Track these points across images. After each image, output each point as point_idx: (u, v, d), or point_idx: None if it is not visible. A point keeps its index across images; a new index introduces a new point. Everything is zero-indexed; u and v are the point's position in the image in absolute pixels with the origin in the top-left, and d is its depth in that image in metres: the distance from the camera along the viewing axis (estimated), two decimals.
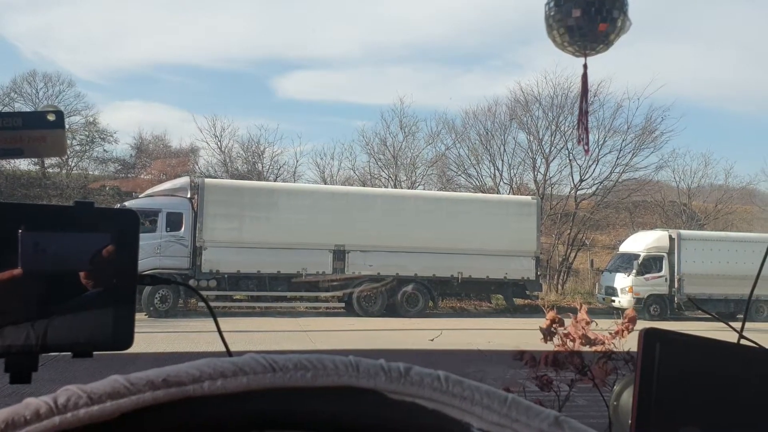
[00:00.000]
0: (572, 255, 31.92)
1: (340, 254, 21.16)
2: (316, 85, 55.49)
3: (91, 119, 35.44)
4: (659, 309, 22.91)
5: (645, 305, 22.67)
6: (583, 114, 1.45)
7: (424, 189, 33.55)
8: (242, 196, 21.01)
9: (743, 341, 1.34)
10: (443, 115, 42.88)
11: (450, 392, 0.67)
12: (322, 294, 21.33)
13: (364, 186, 32.02)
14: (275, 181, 33.08)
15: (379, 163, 36.20)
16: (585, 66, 1.40)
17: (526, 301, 22.34)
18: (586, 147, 1.56)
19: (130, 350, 0.96)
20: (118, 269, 0.98)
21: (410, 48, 56.58)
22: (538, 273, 23.64)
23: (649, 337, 1.05)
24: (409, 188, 32.84)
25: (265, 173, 35.26)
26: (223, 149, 35.82)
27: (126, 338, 0.97)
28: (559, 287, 29.87)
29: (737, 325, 1.42)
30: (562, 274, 31.03)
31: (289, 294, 21.14)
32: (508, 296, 23.41)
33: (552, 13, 1.38)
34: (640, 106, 41.12)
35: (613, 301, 22.55)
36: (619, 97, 34.82)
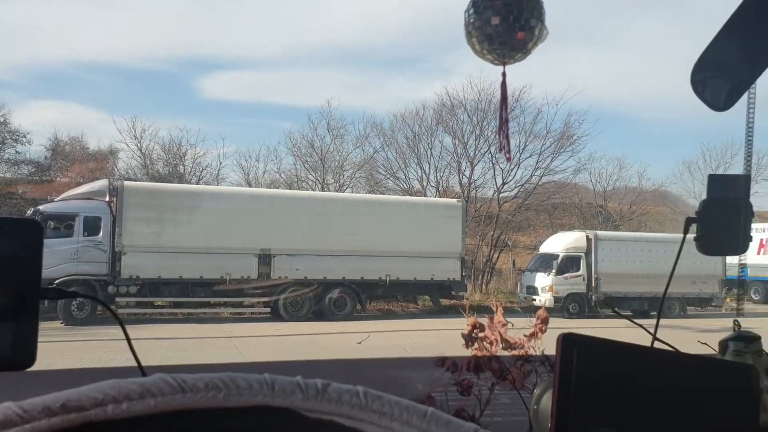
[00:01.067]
0: (495, 256, 32.61)
1: (265, 258, 20.87)
2: (240, 86, 54.58)
3: (1, 119, 33.71)
4: (578, 307, 23.68)
5: (564, 304, 23.39)
6: (504, 122, 1.47)
7: (352, 192, 33.57)
8: (163, 199, 20.44)
9: (657, 343, 1.39)
10: (371, 118, 43.04)
11: (369, 408, 0.66)
12: (247, 299, 21.00)
13: (290, 189, 31.71)
14: (198, 183, 32.37)
15: (306, 165, 35.98)
16: (504, 74, 1.41)
17: (452, 302, 22.66)
18: (507, 155, 1.59)
19: (33, 367, 0.90)
20: (19, 282, 0.92)
21: (338, 49, 56.49)
22: (464, 274, 24.04)
23: (566, 342, 1.08)
24: (336, 191, 32.75)
25: (187, 176, 34.43)
26: (143, 151, 34.77)
27: (28, 356, 0.91)
28: (483, 287, 30.43)
29: (651, 322, 1.47)
30: (486, 274, 31.64)
31: (212, 300, 20.71)
32: (435, 297, 23.69)
33: (471, 20, 1.40)
34: (559, 112, 42.57)
35: (534, 300, 23.14)
36: (539, 102, 35.93)
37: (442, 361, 1.48)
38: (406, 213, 23.00)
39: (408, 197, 29.92)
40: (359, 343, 14.08)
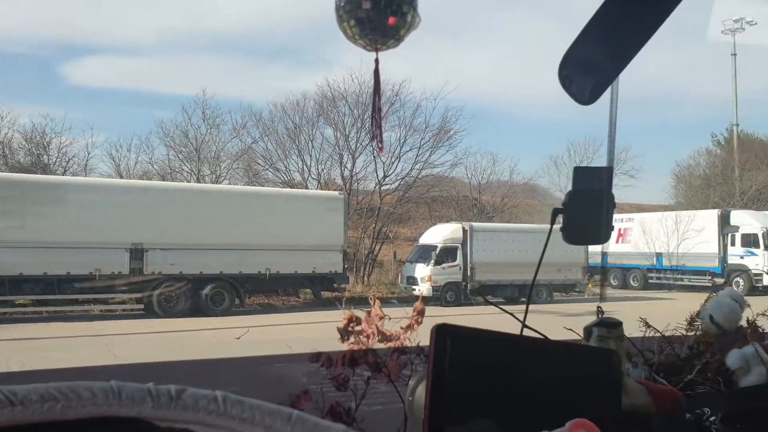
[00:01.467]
0: (377, 248, 33.02)
1: (137, 253, 19.98)
2: (111, 72, 51.92)
3: None
4: (454, 296, 24.45)
5: (442, 293, 24.09)
6: (376, 110, 1.44)
7: (229, 183, 32.76)
8: (24, 190, 19.06)
9: (526, 330, 1.42)
10: (249, 108, 42.13)
11: (228, 414, 0.61)
12: (118, 296, 20.03)
13: (163, 180, 30.46)
14: (64, 174, 30.42)
15: (180, 156, 34.70)
16: (377, 61, 1.39)
17: (334, 294, 22.71)
18: (380, 145, 1.56)
19: None
20: None
21: (215, 36, 54.93)
22: (346, 266, 24.15)
23: (440, 332, 1.07)
24: (213, 183, 31.85)
25: (52, 166, 32.25)
26: (1, 140, 32.20)
27: None
28: (365, 279, 30.75)
29: (522, 308, 1.51)
30: (367, 266, 31.97)
31: (81, 297, 19.57)
32: (317, 290, 23.66)
33: (342, 4, 1.36)
34: (437, 107, 43.53)
35: (414, 289, 23.66)
36: (419, 97, 36.55)
37: (316, 357, 1.44)
38: (287, 205, 22.78)
39: (288, 189, 29.62)
40: (238, 338, 13.78)
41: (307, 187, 32.91)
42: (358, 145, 33.62)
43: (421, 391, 1.19)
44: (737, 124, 44.83)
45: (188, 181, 31.62)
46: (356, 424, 1.43)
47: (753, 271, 27.89)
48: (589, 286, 26.92)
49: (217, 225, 20.65)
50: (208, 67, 52.18)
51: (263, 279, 22.06)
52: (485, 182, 40.94)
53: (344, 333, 1.38)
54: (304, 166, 34.83)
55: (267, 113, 35.97)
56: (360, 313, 1.54)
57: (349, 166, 33.96)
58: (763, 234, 28.40)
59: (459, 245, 25.19)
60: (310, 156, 34.74)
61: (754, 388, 1.36)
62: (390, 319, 1.50)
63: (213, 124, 34.90)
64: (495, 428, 1.05)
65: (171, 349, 13.09)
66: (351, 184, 33.31)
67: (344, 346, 1.50)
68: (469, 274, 24.81)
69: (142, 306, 20.32)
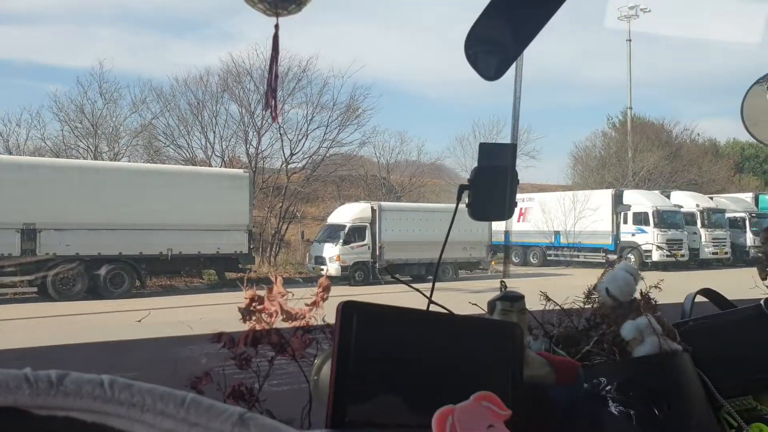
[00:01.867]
0: (284, 227, 32.68)
1: (29, 233, 18.94)
2: None
3: None
4: (363, 275, 24.61)
5: (351, 272, 24.19)
6: (273, 78, 1.39)
7: (128, 161, 31.44)
8: None
9: (433, 306, 1.43)
10: (149, 82, 40.47)
11: (115, 400, 0.56)
12: (9, 278, 18.92)
13: (57, 157, 28.88)
14: None
15: (75, 132, 32.95)
16: (276, 26, 1.34)
17: (239, 275, 22.36)
18: (274, 114, 1.51)
19: None
20: None
21: (114, 8, 52.29)
22: (251, 246, 23.82)
23: (346, 309, 1.05)
24: (111, 160, 30.47)
25: None
26: None
27: None
28: (272, 259, 30.42)
29: (429, 286, 1.52)
30: (274, 246, 31.62)
31: None
32: (221, 271, 23.23)
33: None
34: (345, 85, 43.30)
35: (323, 269, 23.64)
36: (326, 74, 36.26)
37: (218, 337, 1.39)
38: (189, 184, 22.14)
39: (191, 167, 28.76)
40: (139, 321, 13.37)
41: (210, 165, 32.06)
42: (264, 122, 33.03)
43: (326, 369, 1.17)
44: (631, 108, 47.20)
45: (84, 158, 30.13)
46: (259, 405, 1.40)
47: (643, 248, 29.58)
48: (493, 263, 27.77)
49: (115, 204, 19.83)
50: (105, 39, 49.68)
51: (165, 260, 21.44)
52: (393, 162, 41.31)
53: (246, 313, 1.34)
54: (208, 143, 33.92)
55: (168, 88, 34.70)
56: (262, 292, 1.50)
57: (254, 143, 33.31)
58: (652, 213, 30.11)
59: (368, 225, 25.33)
60: (214, 133, 33.85)
61: (646, 358, 1.42)
62: (293, 296, 1.47)
63: (111, 99, 33.34)
64: (401, 404, 1.04)
65: (67, 334, 12.51)
66: (257, 162, 32.70)
67: (247, 327, 1.46)
68: (377, 253, 25.01)
69: (35, 289, 19.31)
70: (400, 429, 0.98)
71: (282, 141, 33.40)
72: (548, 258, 33.55)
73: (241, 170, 26.00)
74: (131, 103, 33.97)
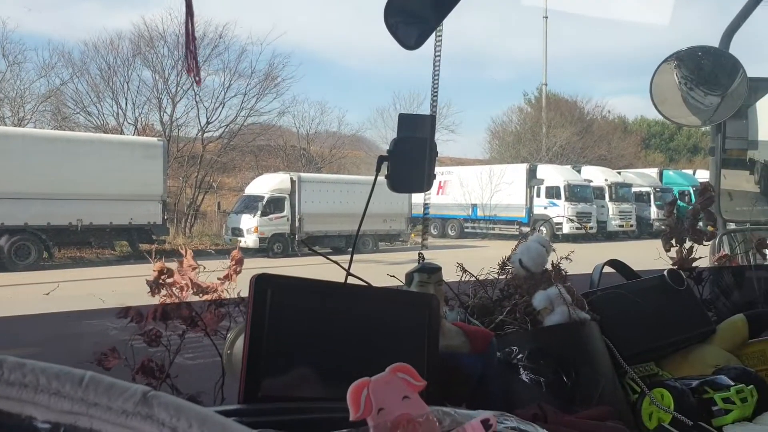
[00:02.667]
0: (200, 198, 31.91)
1: None
2: None
3: None
4: (282, 247, 24.41)
5: (269, 244, 23.95)
6: (191, 39, 1.33)
7: (35, 127, 29.77)
8: None
9: (351, 279, 1.42)
10: (59, 46, 38.33)
11: (4, 380, 0.52)
12: None
13: None
14: None
15: None
16: None
17: (153, 246, 21.73)
18: (197, 78, 1.45)
19: None
20: None
21: None
22: (165, 217, 23.21)
23: (259, 282, 1.03)
24: (15, 126, 28.78)
25: None
26: None
27: None
28: (187, 231, 29.71)
29: (348, 258, 1.50)
30: (190, 217, 30.86)
31: None
32: (134, 242, 22.53)
33: None
34: (263, 52, 42.36)
35: (240, 241, 23.29)
36: (244, 41, 35.31)
37: (125, 312, 1.34)
38: (100, 152, 21.25)
39: (102, 135, 27.49)
40: (47, 294, 12.80)
41: (122, 133, 30.81)
42: (179, 89, 31.96)
43: (239, 343, 1.14)
44: (546, 84, 48.43)
45: None
46: (170, 380, 1.36)
47: (555, 221, 30.62)
48: (412, 235, 28.09)
49: (20, 172, 18.81)
50: None
51: (74, 231, 20.60)
52: (314, 132, 40.91)
53: (155, 286, 1.29)
54: (120, 110, 32.53)
55: (78, 53, 32.96)
56: (173, 265, 1.46)
57: (168, 111, 32.19)
58: (564, 187, 31.17)
59: (287, 196, 25.08)
60: (126, 99, 32.47)
61: (556, 327, 1.46)
62: (204, 269, 1.42)
63: (15, 62, 31.37)
64: (316, 378, 1.03)
65: None
66: (171, 130, 31.65)
67: (157, 300, 1.41)
68: (296, 225, 24.84)
69: None
70: (315, 403, 0.96)
71: (198, 109, 32.47)
72: (465, 230, 34.23)
73: (154, 138, 25.15)
74: (39, 67, 32.10)
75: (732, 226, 2.61)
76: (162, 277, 1.29)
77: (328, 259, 1.46)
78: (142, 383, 1.41)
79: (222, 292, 1.33)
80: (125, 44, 32.57)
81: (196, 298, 1.35)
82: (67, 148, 20.79)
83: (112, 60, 32.44)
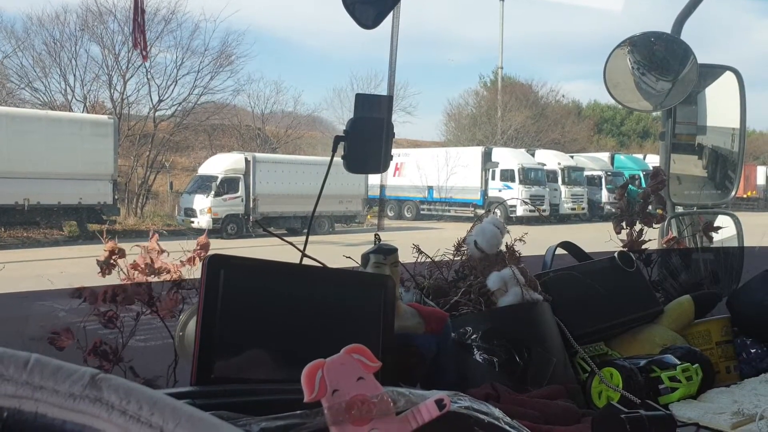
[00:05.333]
0: (152, 177, 31.27)
1: None
2: None
3: None
4: (236, 228, 24.15)
5: (223, 225, 23.66)
6: (138, 12, 1.29)
7: None
8: None
9: (306, 260, 1.41)
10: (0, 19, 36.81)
11: None
12: None
13: None
14: None
15: None
16: None
17: (103, 227, 21.25)
18: (144, 52, 1.41)
19: None
20: None
21: None
22: (116, 197, 22.73)
23: (212, 264, 1.01)
24: None
25: None
26: None
27: None
28: (139, 211, 29.13)
29: (303, 239, 1.49)
30: (141, 197, 30.24)
31: None
32: (83, 222, 22.00)
33: None
34: (217, 29, 41.49)
35: (193, 222, 22.96)
36: (197, 18, 34.53)
37: (79, 293, 1.30)
38: (47, 130, 20.61)
39: (49, 112, 26.59)
40: None
41: (71, 110, 29.90)
42: (130, 65, 31.12)
43: (192, 325, 1.13)
44: (502, 67, 48.70)
45: None
46: (123, 363, 1.34)
47: (509, 203, 31.01)
48: (369, 217, 28.10)
49: None
50: None
51: (21, 210, 20.00)
52: (269, 112, 40.36)
53: (105, 266, 1.26)
54: (68, 87, 31.53)
55: (21, 26, 31.77)
56: (126, 246, 1.42)
57: (119, 88, 31.29)
58: (518, 170, 31.54)
59: (241, 176, 24.78)
60: (74, 76, 31.47)
61: (509, 307, 1.48)
62: (168, 255, 1.40)
63: None
64: (270, 360, 1.02)
65: None
66: (122, 108, 30.85)
67: (111, 281, 1.38)
68: (251, 205, 24.59)
69: None
70: (269, 385, 0.96)
71: (149, 86, 31.64)
72: (422, 212, 34.39)
73: (104, 116, 24.50)
74: None
75: (680, 209, 2.68)
76: (113, 257, 1.26)
77: (282, 239, 1.44)
78: (95, 366, 1.39)
79: (177, 273, 1.31)
80: (72, 18, 31.52)
81: (155, 280, 1.33)
82: (11, 125, 20.10)
83: (59, 35, 31.38)
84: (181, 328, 1.19)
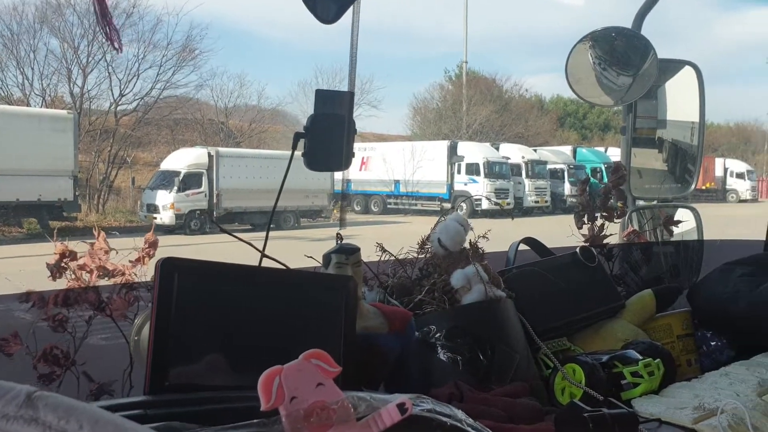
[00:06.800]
0: (114, 173, 30.73)
1: None
2: None
3: None
4: (199, 224, 23.86)
5: (186, 221, 23.37)
6: (105, 5, 1.23)
7: None
8: None
9: (266, 261, 1.38)
10: None
11: None
12: None
13: None
14: None
15: None
16: None
17: (64, 224, 20.83)
18: (118, 44, 1.35)
19: None
20: None
21: None
22: (77, 193, 22.29)
23: (166, 267, 0.98)
24: None
25: None
26: None
27: None
28: (100, 207, 28.62)
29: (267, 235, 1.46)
30: (103, 193, 29.71)
31: None
32: (44, 219, 21.53)
33: None
34: (180, 23, 40.94)
35: (155, 218, 22.62)
36: (159, 11, 33.92)
37: (26, 297, 1.25)
38: (5, 125, 20.12)
39: (6, 107, 25.97)
40: None
41: (29, 105, 29.19)
42: (90, 59, 30.48)
43: (147, 330, 1.09)
44: (466, 62, 48.96)
45: None
46: (76, 368, 1.29)
47: (474, 197, 31.22)
48: (335, 212, 28.02)
49: None
50: None
51: None
52: (232, 106, 39.95)
53: (56, 269, 1.22)
54: (25, 81, 30.76)
55: None
56: (82, 246, 1.38)
57: (79, 82, 30.66)
58: (483, 164, 31.75)
59: (204, 171, 24.49)
60: (33, 69, 30.71)
61: (473, 305, 1.47)
62: (117, 253, 1.35)
63: None
64: (227, 367, 0.99)
65: None
66: (82, 102, 30.22)
67: (60, 284, 1.33)
68: (215, 201, 24.33)
69: None
70: (225, 392, 0.93)
71: (110, 80, 31.07)
72: (388, 206, 34.42)
73: (64, 111, 23.97)
74: None
75: (641, 203, 2.70)
76: (64, 260, 1.21)
77: (240, 239, 1.40)
78: (45, 371, 1.33)
79: (132, 275, 1.26)
80: (30, 10, 30.74)
81: (106, 282, 1.28)
82: None
83: (16, 27, 30.57)
84: (136, 332, 1.16)
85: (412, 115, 51.12)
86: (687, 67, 2.68)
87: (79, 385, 1.30)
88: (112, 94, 31.40)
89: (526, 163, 34.12)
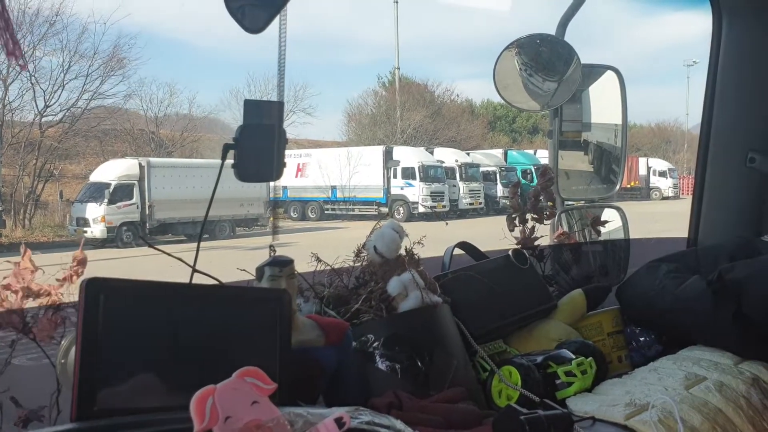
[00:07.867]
0: (40, 187, 29.59)
1: None
2: None
3: None
4: (132, 236, 23.21)
5: (118, 234, 22.71)
6: (3, 10, 1.16)
7: None
8: None
9: (200, 275, 1.35)
10: None
11: None
12: None
13: None
14: None
15: None
16: None
17: None
18: (21, 62, 1.29)
19: None
20: None
21: None
22: (1, 209, 21.36)
23: (91, 288, 0.94)
24: None
25: None
26: None
27: None
28: (27, 222, 27.50)
29: (202, 245, 1.42)
30: (29, 207, 28.56)
31: None
32: None
33: None
34: (108, 32, 39.81)
35: (86, 231, 21.90)
36: (85, 19, 32.89)
37: None
38: None
39: None
40: None
41: None
42: (11, 69, 29.26)
43: (74, 353, 1.05)
44: (398, 68, 49.30)
45: None
46: (3, 393, 1.23)
47: (411, 201, 31.47)
48: (271, 219, 27.72)
49: None
50: None
51: None
52: (163, 115, 39.04)
53: None
54: None
55: None
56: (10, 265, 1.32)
57: (0, 94, 29.43)
58: (418, 168, 32.05)
59: (136, 182, 23.86)
60: None
61: (409, 312, 1.48)
62: (44, 273, 1.30)
63: None
64: (159, 389, 0.97)
65: None
66: (4, 114, 28.99)
67: None
68: (147, 212, 23.72)
69: None
70: (157, 415, 0.90)
71: (34, 91, 29.90)
72: (326, 212, 34.30)
73: None
74: None
75: (570, 204, 2.77)
76: None
77: (169, 255, 1.37)
78: None
79: (59, 295, 1.21)
80: None
81: (32, 304, 1.22)
82: None
83: None
84: (62, 355, 1.11)
85: (347, 121, 51.17)
86: (609, 72, 2.77)
87: (3, 413, 1.24)
88: (36, 106, 30.24)
89: (460, 167, 34.60)
